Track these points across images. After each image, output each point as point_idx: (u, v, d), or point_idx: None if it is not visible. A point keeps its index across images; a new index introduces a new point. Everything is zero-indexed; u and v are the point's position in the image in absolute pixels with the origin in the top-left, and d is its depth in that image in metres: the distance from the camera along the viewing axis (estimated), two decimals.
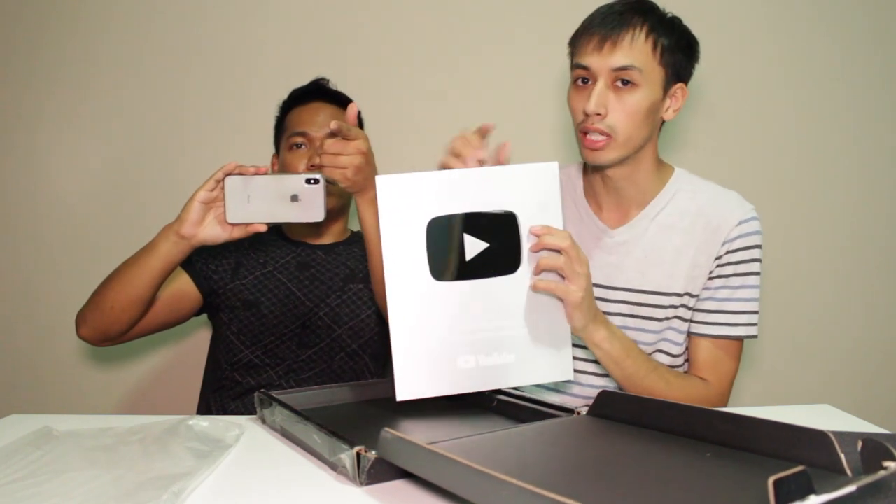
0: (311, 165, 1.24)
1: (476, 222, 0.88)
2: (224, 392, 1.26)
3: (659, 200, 1.10)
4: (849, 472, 0.57)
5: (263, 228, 1.04)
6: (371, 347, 1.29)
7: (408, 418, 0.90)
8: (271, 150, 1.40)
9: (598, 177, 1.10)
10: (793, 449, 0.60)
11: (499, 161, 0.95)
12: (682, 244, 1.07)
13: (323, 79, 1.38)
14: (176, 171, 1.64)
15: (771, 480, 0.47)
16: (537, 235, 0.88)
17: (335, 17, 1.67)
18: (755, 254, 1.05)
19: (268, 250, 1.31)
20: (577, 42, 1.04)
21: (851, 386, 1.72)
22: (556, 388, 1.11)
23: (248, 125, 1.63)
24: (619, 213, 1.11)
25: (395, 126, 1.65)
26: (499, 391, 0.89)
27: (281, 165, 1.32)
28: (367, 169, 1.05)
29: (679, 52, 1.02)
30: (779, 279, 1.70)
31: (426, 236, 0.87)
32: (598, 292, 1.05)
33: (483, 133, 0.98)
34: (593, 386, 1.09)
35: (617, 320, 1.06)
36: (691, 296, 1.07)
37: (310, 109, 1.31)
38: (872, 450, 0.57)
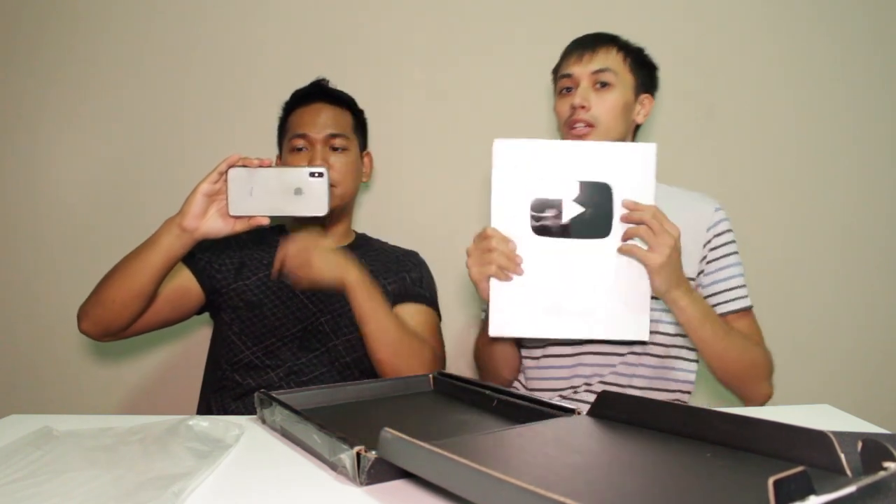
0: None
1: (577, 189, 1.01)
2: (225, 392, 1.25)
3: None
4: (849, 472, 0.57)
5: (266, 221, 1.04)
6: (363, 364, 1.24)
7: (408, 418, 0.90)
8: (272, 149, 1.40)
9: None
10: (793, 449, 0.60)
11: None
12: None
13: (323, 79, 1.38)
14: (176, 171, 1.64)
15: (771, 481, 0.47)
16: (628, 208, 1.00)
17: (335, 17, 1.67)
18: (732, 236, 1.22)
19: (272, 251, 1.30)
20: (560, 62, 1.25)
21: (851, 386, 1.72)
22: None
23: (248, 125, 1.63)
24: None
25: (395, 126, 1.65)
26: (499, 391, 0.89)
27: None
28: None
29: (644, 67, 1.23)
30: (779, 279, 1.70)
31: (532, 196, 1.01)
32: None
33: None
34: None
35: None
36: (691, 280, 1.15)
37: (310, 111, 1.31)
38: (872, 450, 0.57)
